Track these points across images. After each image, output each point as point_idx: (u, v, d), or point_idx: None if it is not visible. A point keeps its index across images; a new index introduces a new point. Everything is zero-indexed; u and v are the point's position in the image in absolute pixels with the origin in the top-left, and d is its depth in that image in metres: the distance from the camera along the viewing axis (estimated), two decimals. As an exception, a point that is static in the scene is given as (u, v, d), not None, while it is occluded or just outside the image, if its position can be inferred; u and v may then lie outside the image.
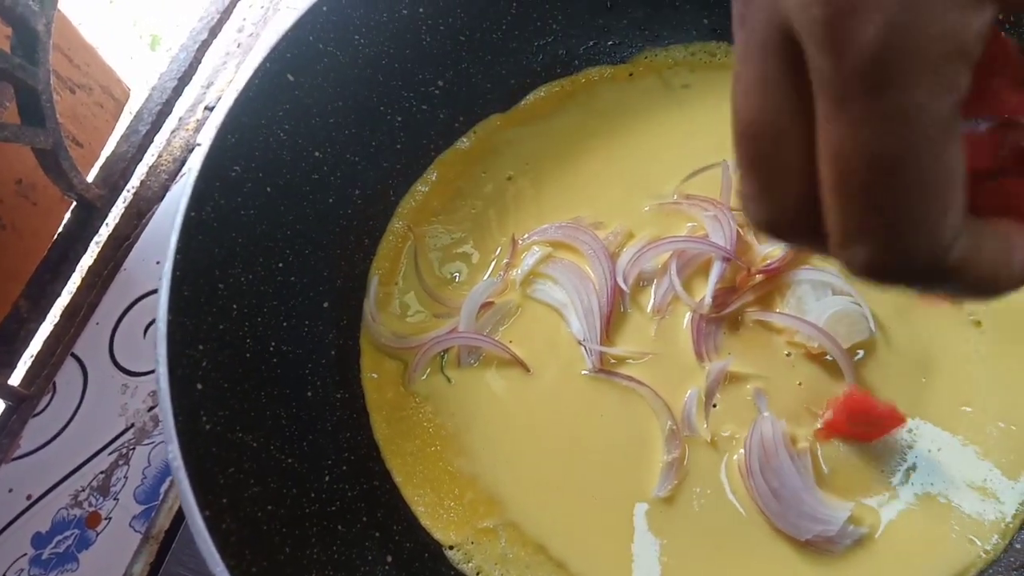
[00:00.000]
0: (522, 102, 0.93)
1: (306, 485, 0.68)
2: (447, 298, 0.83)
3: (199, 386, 0.62)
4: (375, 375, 0.80)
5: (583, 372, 0.77)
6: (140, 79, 1.38)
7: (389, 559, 0.70)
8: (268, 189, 0.74)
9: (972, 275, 0.32)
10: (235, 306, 0.69)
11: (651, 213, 0.83)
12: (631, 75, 0.91)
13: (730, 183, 0.80)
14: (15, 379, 0.95)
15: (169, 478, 0.85)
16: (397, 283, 0.85)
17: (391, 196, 0.88)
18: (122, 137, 1.13)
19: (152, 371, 0.60)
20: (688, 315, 0.77)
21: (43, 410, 0.92)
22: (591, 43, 0.92)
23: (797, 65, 0.31)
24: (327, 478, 0.71)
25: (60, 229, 1.05)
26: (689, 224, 0.81)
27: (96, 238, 1.05)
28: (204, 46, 1.19)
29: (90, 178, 1.07)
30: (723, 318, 0.76)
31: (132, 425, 0.89)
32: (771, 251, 0.77)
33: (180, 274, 0.62)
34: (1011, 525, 0.66)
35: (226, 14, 1.22)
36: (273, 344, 0.73)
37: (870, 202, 0.30)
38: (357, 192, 0.85)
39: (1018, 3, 0.29)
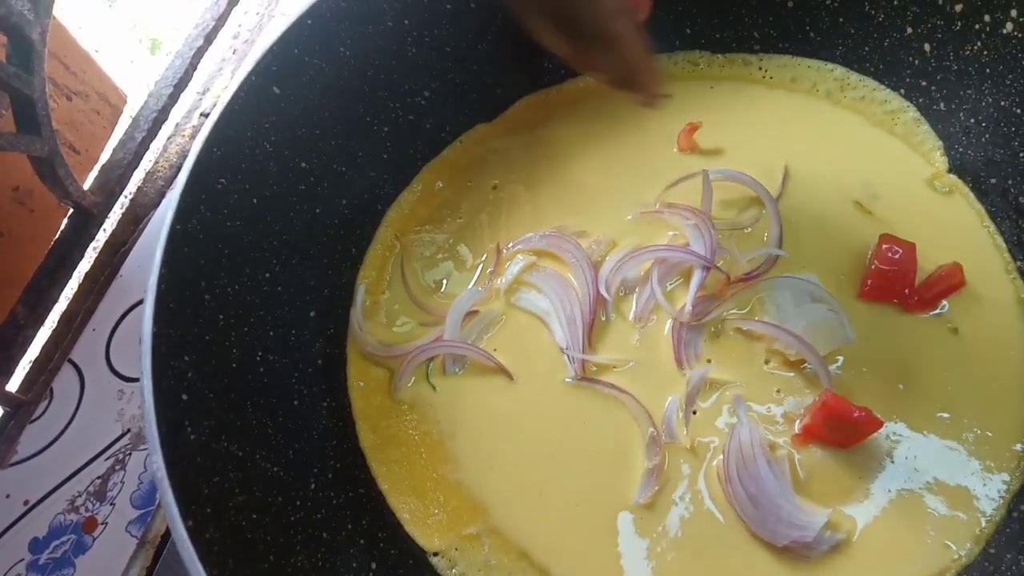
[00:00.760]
0: (507, 112, 0.94)
1: (291, 493, 0.69)
2: (433, 306, 0.84)
3: (184, 397, 0.63)
4: (361, 383, 0.81)
5: (566, 380, 0.78)
6: (140, 84, 1.39)
7: (374, 566, 0.71)
8: (254, 200, 0.75)
9: (626, 49, 0.62)
10: (221, 316, 0.70)
11: (634, 221, 0.84)
12: (615, 85, 0.92)
13: (711, 192, 0.81)
14: (12, 385, 0.96)
15: (163, 483, 0.85)
16: (384, 292, 0.86)
17: (378, 205, 0.89)
18: (119, 144, 1.14)
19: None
20: (669, 322, 0.78)
21: (40, 416, 0.93)
22: (576, 53, 0.92)
23: None
24: (312, 486, 0.72)
25: (57, 235, 1.05)
26: (670, 233, 0.82)
27: (93, 244, 1.06)
28: (200, 52, 1.20)
29: (87, 185, 1.08)
30: (704, 326, 0.77)
31: (128, 430, 0.90)
32: (751, 259, 0.78)
33: (165, 287, 0.63)
34: (985, 530, 0.67)
35: (222, 20, 1.23)
36: (260, 354, 0.74)
37: None
38: (344, 202, 0.85)
39: None
